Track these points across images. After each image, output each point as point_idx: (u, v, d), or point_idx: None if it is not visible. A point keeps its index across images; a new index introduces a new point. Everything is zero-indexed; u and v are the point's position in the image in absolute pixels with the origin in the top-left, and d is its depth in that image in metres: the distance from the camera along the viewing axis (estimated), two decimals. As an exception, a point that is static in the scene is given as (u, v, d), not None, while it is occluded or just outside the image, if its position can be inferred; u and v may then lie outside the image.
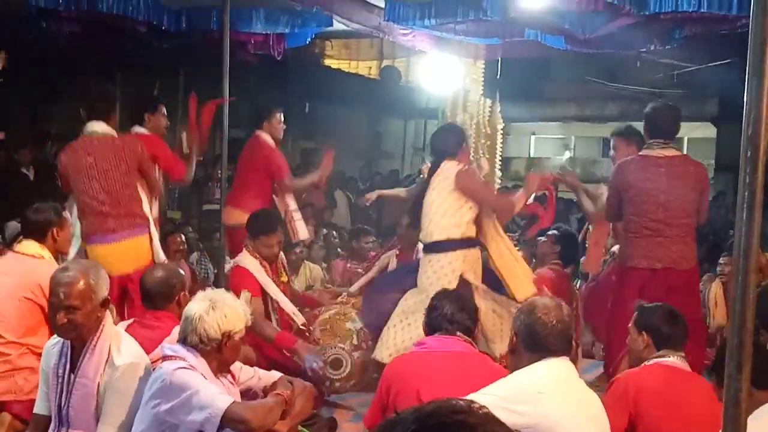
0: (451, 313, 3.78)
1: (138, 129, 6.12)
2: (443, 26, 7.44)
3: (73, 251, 5.41)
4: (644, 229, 5.27)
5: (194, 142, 6.33)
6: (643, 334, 3.85)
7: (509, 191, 6.36)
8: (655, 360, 3.76)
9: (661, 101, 6.02)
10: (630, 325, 4.00)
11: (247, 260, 5.57)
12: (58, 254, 4.88)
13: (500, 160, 9.47)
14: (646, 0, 6.04)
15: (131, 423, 3.37)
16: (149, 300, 4.16)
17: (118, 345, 3.51)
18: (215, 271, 6.85)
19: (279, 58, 8.77)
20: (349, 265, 8.54)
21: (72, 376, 3.50)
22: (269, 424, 3.31)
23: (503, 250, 5.55)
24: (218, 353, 3.38)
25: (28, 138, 10.08)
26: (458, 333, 3.77)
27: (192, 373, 3.25)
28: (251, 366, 3.88)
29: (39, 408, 3.70)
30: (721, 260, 7.99)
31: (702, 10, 6.01)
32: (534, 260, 7.20)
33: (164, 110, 6.29)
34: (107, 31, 7.93)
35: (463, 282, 5.25)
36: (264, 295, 5.52)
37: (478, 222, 5.44)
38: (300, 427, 3.80)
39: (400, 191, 7.33)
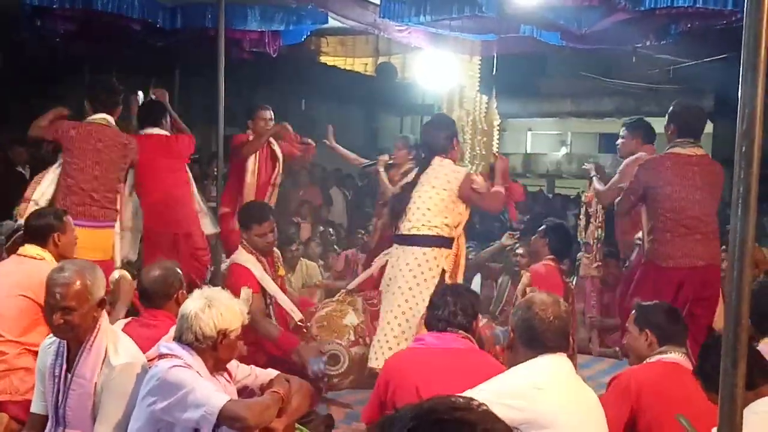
0: (452, 310, 3.78)
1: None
2: (439, 23, 7.43)
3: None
4: (682, 227, 5.29)
5: None
6: (646, 332, 3.84)
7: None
8: (658, 357, 3.76)
9: (684, 100, 6.05)
10: (629, 323, 4.00)
11: (244, 257, 5.57)
12: (61, 259, 4.86)
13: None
14: (641, -4, 6.05)
15: (128, 422, 3.36)
16: (147, 299, 4.15)
17: (114, 344, 3.50)
18: (212, 268, 6.85)
19: (274, 56, 8.76)
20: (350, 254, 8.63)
21: (68, 375, 3.49)
22: (266, 421, 3.30)
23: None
24: (214, 351, 3.37)
25: (24, 136, 10.05)
26: (457, 330, 3.77)
27: (188, 371, 3.25)
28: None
29: (36, 407, 3.69)
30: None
31: (697, 6, 6.01)
32: (530, 257, 7.20)
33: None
34: (102, 29, 7.91)
35: (442, 281, 5.29)
36: (262, 291, 5.52)
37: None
38: (297, 425, 3.80)
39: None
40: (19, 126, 10.98)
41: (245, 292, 5.27)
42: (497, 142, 8.20)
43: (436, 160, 5.49)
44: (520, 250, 7.47)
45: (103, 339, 3.48)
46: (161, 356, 3.37)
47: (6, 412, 4.32)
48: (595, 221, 6.77)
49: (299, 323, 5.65)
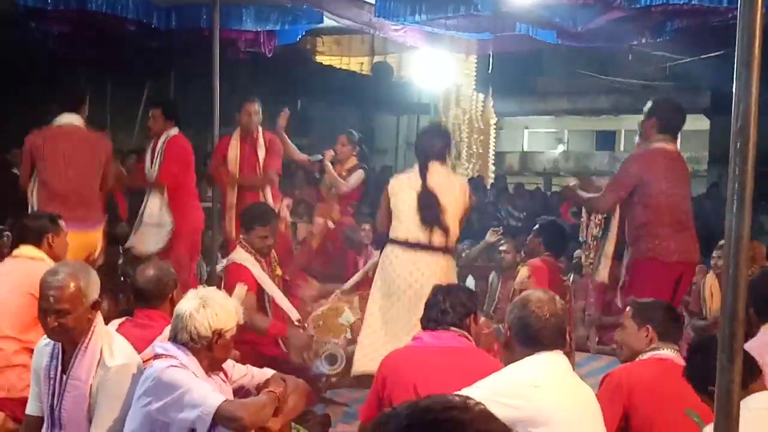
0: (442, 308, 3.78)
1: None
2: (434, 21, 7.43)
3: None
4: (677, 222, 5.32)
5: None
6: (647, 328, 3.83)
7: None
8: (651, 353, 3.76)
9: (664, 95, 5.97)
10: (626, 319, 3.99)
11: (243, 256, 5.57)
12: (56, 261, 4.86)
13: (493, 155, 9.51)
14: (636, -7, 6.05)
15: (124, 424, 3.35)
16: (142, 299, 4.14)
17: (109, 346, 3.49)
18: (208, 268, 6.85)
19: (269, 56, 8.75)
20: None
21: (64, 377, 3.48)
22: (262, 421, 3.29)
23: None
24: (209, 351, 3.37)
25: (19, 138, 10.03)
26: (455, 328, 3.77)
27: (183, 372, 3.24)
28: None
29: (31, 409, 3.69)
30: (714, 253, 7.99)
31: (692, 3, 6.02)
32: (526, 255, 7.19)
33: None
34: (97, 30, 7.90)
35: None
36: (260, 290, 5.53)
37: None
38: (293, 424, 3.79)
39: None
40: (13, 128, 10.99)
41: (239, 288, 5.29)
42: (494, 140, 8.20)
43: (437, 166, 5.43)
44: (504, 247, 7.48)
45: (98, 340, 3.47)
46: (156, 356, 3.36)
47: (3, 409, 4.32)
48: (595, 219, 6.74)
49: (296, 323, 5.65)
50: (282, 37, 8.68)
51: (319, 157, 7.60)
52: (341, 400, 5.66)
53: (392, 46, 10.49)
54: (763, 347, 3.47)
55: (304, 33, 8.97)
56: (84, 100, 6.13)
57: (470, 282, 8.18)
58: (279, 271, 5.93)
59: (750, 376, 2.95)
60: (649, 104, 5.48)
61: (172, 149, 6.54)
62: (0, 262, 4.99)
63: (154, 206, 6.46)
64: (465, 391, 2.69)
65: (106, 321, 3.77)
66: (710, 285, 7.98)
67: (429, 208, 5.35)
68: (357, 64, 12.80)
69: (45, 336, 3.61)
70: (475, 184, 12.79)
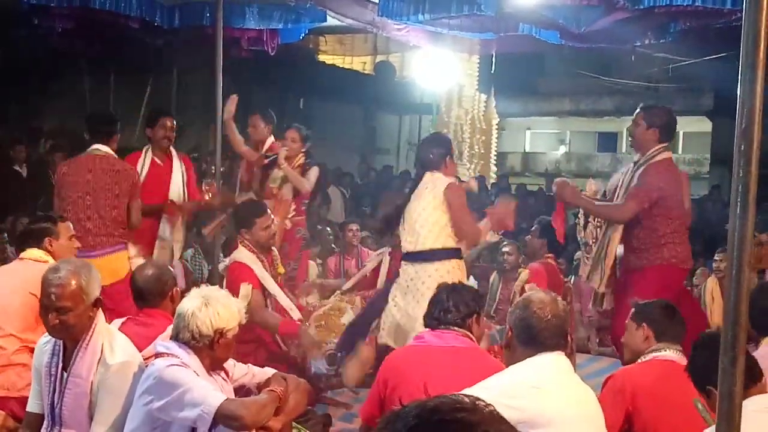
0: (444, 308, 3.78)
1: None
2: (437, 21, 7.44)
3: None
4: (685, 230, 5.42)
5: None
6: (643, 326, 3.84)
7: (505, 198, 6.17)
8: (653, 355, 3.75)
9: (652, 103, 5.91)
10: (628, 320, 4.00)
11: (244, 255, 5.58)
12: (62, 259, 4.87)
13: (495, 155, 9.49)
14: (640, -6, 6.04)
15: (125, 421, 3.35)
16: (142, 298, 4.14)
17: (110, 343, 3.49)
18: (209, 268, 6.86)
19: (272, 54, 8.76)
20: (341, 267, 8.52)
21: (64, 374, 3.48)
22: (263, 420, 3.29)
23: None
24: (211, 350, 3.36)
25: (22, 135, 10.06)
26: (456, 328, 3.76)
27: (184, 370, 3.24)
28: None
29: (32, 406, 3.69)
30: (716, 256, 7.99)
31: (696, 4, 6.01)
32: (524, 257, 7.20)
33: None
34: (100, 27, 7.91)
35: None
36: (262, 289, 5.53)
37: None
38: (294, 424, 3.79)
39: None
40: (16, 125, 11.02)
41: (245, 287, 5.30)
42: (496, 140, 8.16)
43: (428, 176, 5.44)
44: (506, 248, 7.48)
45: (98, 338, 3.47)
46: (158, 355, 3.36)
47: (3, 407, 4.32)
48: (594, 221, 6.73)
49: (297, 323, 5.65)
50: (285, 35, 8.69)
51: (271, 155, 7.06)
52: (342, 400, 5.66)
53: (395, 46, 10.48)
54: (763, 358, 3.46)
55: (307, 31, 8.98)
56: (110, 126, 6.08)
57: (471, 282, 8.18)
58: (281, 269, 5.95)
59: (751, 380, 2.94)
60: (642, 113, 5.44)
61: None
62: (7, 264, 5.03)
63: None
64: (466, 392, 2.68)
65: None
66: (711, 288, 7.97)
67: (388, 218, 5.51)
68: (360, 63, 12.78)
69: (45, 334, 3.61)
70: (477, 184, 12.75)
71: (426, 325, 3.85)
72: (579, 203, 5.58)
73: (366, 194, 13.54)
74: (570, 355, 3.83)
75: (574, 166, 23.36)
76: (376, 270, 7.02)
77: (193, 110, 6.86)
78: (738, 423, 2.27)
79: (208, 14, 7.55)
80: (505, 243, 7.50)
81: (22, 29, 8.40)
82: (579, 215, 6.81)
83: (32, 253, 4.69)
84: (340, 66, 12.59)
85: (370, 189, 14.06)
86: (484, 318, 5.87)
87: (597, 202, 5.59)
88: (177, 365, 3.25)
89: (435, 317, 3.79)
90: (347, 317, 5.81)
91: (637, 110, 5.53)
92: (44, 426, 3.57)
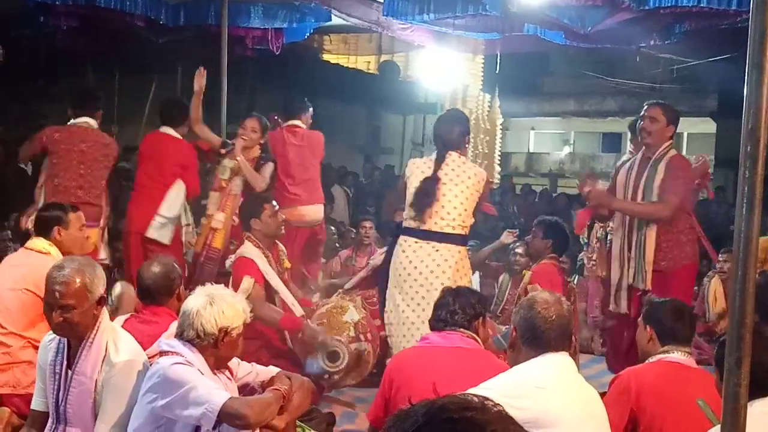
0: (451, 310, 3.78)
1: (167, 130, 6.53)
2: (442, 21, 7.43)
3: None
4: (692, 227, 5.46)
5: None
6: (648, 327, 3.84)
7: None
8: (659, 356, 3.74)
9: (656, 100, 5.91)
10: (639, 318, 4.01)
11: (250, 250, 5.61)
12: (66, 254, 4.87)
13: (499, 156, 9.48)
14: (645, -5, 6.04)
15: (129, 420, 3.35)
16: (149, 295, 4.13)
17: (115, 342, 3.50)
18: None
19: (277, 53, 8.76)
20: (353, 262, 8.50)
21: (69, 372, 3.48)
22: (267, 419, 3.29)
23: None
24: (215, 349, 3.36)
25: (27, 133, 10.07)
26: (457, 329, 3.77)
27: (189, 369, 3.24)
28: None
29: (36, 404, 3.69)
30: (720, 257, 7.99)
31: (702, 5, 6.00)
32: (530, 259, 7.18)
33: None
34: (105, 26, 7.92)
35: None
36: (266, 285, 5.55)
37: None
38: (298, 422, 3.79)
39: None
40: (20, 123, 11.02)
41: (246, 281, 5.32)
42: (500, 140, 8.13)
43: (454, 157, 5.37)
44: (519, 249, 7.45)
45: (103, 336, 3.47)
46: (162, 353, 3.36)
47: (8, 405, 4.33)
48: (598, 222, 6.73)
49: (301, 317, 5.67)
50: (290, 34, 8.68)
51: (229, 143, 6.63)
52: (345, 399, 5.65)
53: (400, 46, 10.47)
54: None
55: (311, 31, 8.98)
56: (96, 102, 6.41)
57: (475, 279, 8.17)
58: (287, 264, 5.98)
59: (760, 390, 2.90)
60: (661, 109, 5.42)
61: None
62: (13, 253, 5.06)
63: None
64: (470, 392, 2.68)
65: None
66: (714, 289, 7.98)
67: (425, 195, 5.28)
68: (364, 62, 12.79)
69: (50, 332, 3.61)
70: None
71: (432, 328, 3.86)
72: (615, 206, 5.49)
73: (370, 193, 13.54)
74: (573, 356, 3.83)
75: (578, 167, 23.34)
76: (379, 270, 7.00)
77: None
78: (743, 423, 2.27)
79: (213, 13, 7.55)
80: (517, 244, 7.49)
81: (27, 28, 8.41)
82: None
83: (37, 243, 4.70)
84: (345, 65, 12.60)
85: (374, 188, 14.06)
86: (491, 320, 5.90)
87: (634, 203, 5.46)
88: (181, 363, 3.25)
89: (441, 319, 3.79)
90: (349, 315, 5.79)
91: (650, 106, 5.49)
92: (48, 424, 3.57)
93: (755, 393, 2.65)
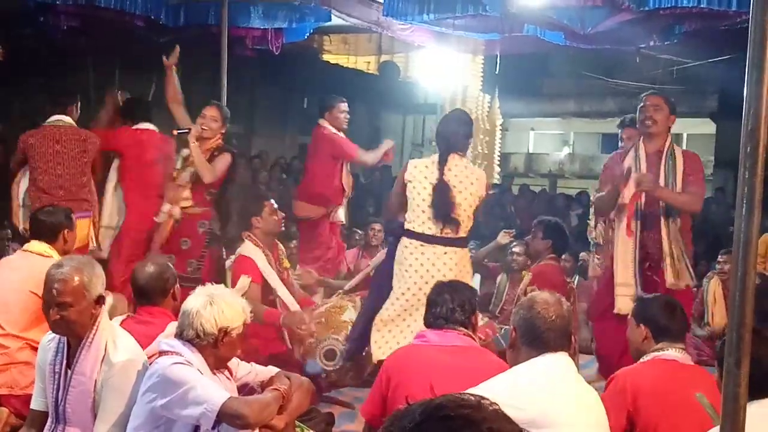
0: (450, 307, 3.77)
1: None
2: (442, 21, 7.44)
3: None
4: None
5: None
6: (641, 326, 3.83)
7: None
8: (654, 354, 3.73)
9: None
10: (629, 316, 3.99)
11: (250, 249, 5.62)
12: (65, 255, 4.90)
13: (499, 156, 9.46)
14: (645, -4, 6.04)
15: (128, 419, 3.35)
16: (144, 296, 4.12)
17: (114, 341, 3.50)
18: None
19: (277, 53, 8.76)
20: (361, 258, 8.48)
21: (68, 372, 3.48)
22: (266, 419, 3.29)
23: None
24: (215, 349, 3.36)
25: (26, 131, 10.06)
26: (459, 327, 3.76)
27: (188, 369, 3.24)
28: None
29: (36, 404, 3.69)
30: (720, 258, 7.99)
31: (701, 6, 6.00)
32: (528, 258, 7.19)
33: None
34: (105, 26, 7.92)
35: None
36: (265, 284, 5.56)
37: None
38: (297, 422, 3.79)
39: None
40: (20, 122, 11.01)
41: (243, 279, 5.33)
42: (499, 141, 8.12)
43: (456, 159, 5.34)
44: (516, 249, 7.46)
45: (102, 336, 3.47)
46: (162, 353, 3.36)
47: (6, 405, 4.33)
48: (605, 222, 6.71)
49: (279, 311, 5.67)
50: (290, 34, 8.69)
51: (186, 130, 6.16)
52: (344, 399, 5.66)
53: (400, 46, 10.47)
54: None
55: (311, 31, 8.98)
56: (68, 97, 6.44)
57: (477, 280, 8.17)
58: (287, 263, 5.98)
59: (759, 392, 2.90)
60: (663, 98, 5.41)
61: None
62: (11, 255, 5.07)
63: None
64: (469, 392, 2.68)
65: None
66: (714, 290, 7.97)
67: (442, 203, 5.24)
68: (364, 63, 12.78)
69: (50, 332, 3.62)
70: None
71: (427, 324, 3.84)
72: (660, 193, 5.27)
73: (369, 194, 13.54)
74: (573, 356, 3.83)
75: (578, 167, 23.32)
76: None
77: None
78: (743, 423, 2.27)
79: (213, 13, 7.55)
80: (515, 243, 7.49)
81: (28, 27, 8.41)
82: (590, 216, 6.78)
83: (37, 246, 4.72)
84: (345, 66, 12.59)
85: (374, 189, 14.06)
86: (485, 318, 5.90)
87: (678, 192, 5.32)
88: (181, 363, 3.25)
89: (441, 316, 3.78)
90: (348, 314, 5.80)
91: (651, 95, 5.48)
92: (48, 424, 3.57)
93: (755, 394, 2.67)
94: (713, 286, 7.97)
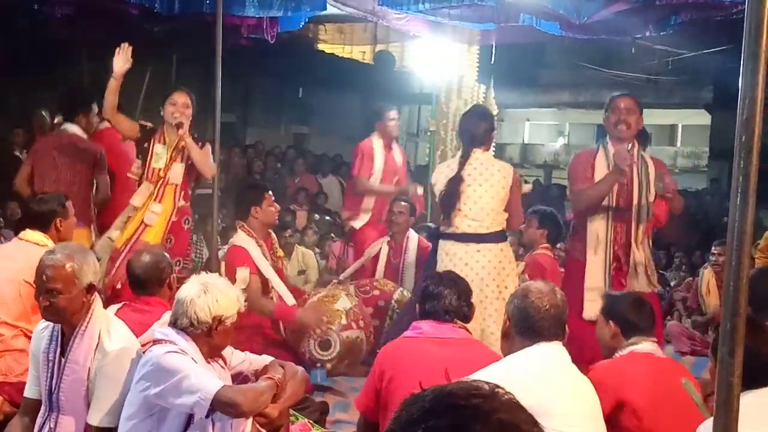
0: (450, 301, 3.75)
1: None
2: (438, 11, 7.41)
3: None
4: None
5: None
6: (610, 322, 3.81)
7: None
8: (630, 348, 3.69)
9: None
10: (598, 313, 3.98)
11: (244, 239, 5.61)
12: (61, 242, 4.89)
13: (494, 147, 9.42)
14: (641, -15, 6.03)
15: (122, 408, 3.35)
16: (139, 285, 4.14)
17: (108, 330, 3.50)
18: (207, 254, 6.86)
19: (272, 42, 8.72)
20: (344, 255, 8.45)
21: (62, 360, 3.48)
22: (260, 407, 3.29)
23: None
24: (209, 337, 3.36)
25: (21, 122, 10.04)
26: (455, 320, 3.75)
27: (182, 357, 3.24)
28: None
29: (29, 392, 3.69)
30: (714, 249, 8.00)
31: (697, -3, 5.99)
32: (522, 248, 7.19)
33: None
34: (99, 14, 7.89)
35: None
36: (259, 274, 5.56)
37: None
38: (291, 411, 3.79)
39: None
40: (16, 111, 10.99)
41: (242, 272, 5.32)
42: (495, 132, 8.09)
43: (478, 154, 5.34)
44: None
45: (96, 324, 3.47)
46: (156, 341, 3.36)
47: (1, 393, 4.33)
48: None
49: (294, 307, 5.67)
50: (285, 23, 8.65)
51: (148, 125, 5.82)
52: (339, 389, 5.66)
53: (395, 36, 10.44)
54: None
55: (307, 20, 8.94)
56: (82, 107, 6.39)
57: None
58: (281, 253, 5.98)
59: (754, 381, 2.90)
60: (635, 102, 5.31)
61: None
62: (6, 243, 5.05)
63: None
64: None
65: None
66: (708, 280, 7.99)
67: (450, 197, 5.24)
68: (359, 52, 12.71)
69: (43, 320, 3.62)
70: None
71: (424, 316, 3.82)
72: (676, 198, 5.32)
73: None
74: (567, 345, 3.82)
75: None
76: (375, 259, 7.02)
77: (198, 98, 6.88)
78: (736, 413, 2.27)
79: (207, 1, 7.50)
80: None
81: (23, 16, 8.37)
82: None
83: (33, 235, 4.70)
84: (340, 55, 12.53)
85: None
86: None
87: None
88: (175, 352, 3.25)
89: (442, 309, 3.74)
90: (341, 303, 5.79)
91: (624, 97, 5.34)
92: (41, 412, 3.58)
93: (749, 384, 2.67)
94: (707, 277, 7.99)
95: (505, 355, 3.27)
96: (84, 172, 6.20)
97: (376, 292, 6.29)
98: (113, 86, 5.73)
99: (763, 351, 2.92)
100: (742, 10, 2.26)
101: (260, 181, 6.12)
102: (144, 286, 4.11)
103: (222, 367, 3.52)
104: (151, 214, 5.66)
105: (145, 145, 5.77)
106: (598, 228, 5.21)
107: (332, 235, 9.82)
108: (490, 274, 5.20)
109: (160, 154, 5.70)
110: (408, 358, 3.61)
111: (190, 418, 3.26)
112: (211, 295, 3.35)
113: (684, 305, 8.49)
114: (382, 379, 3.62)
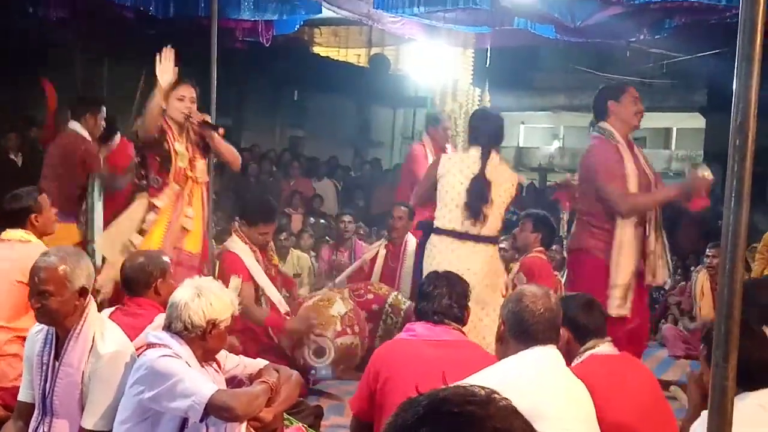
0: (445, 302, 3.73)
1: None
2: (433, 14, 7.43)
3: None
4: None
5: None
6: (561, 328, 3.68)
7: None
8: (589, 352, 3.54)
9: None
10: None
11: (238, 246, 5.59)
12: (42, 237, 4.86)
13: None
14: (636, -11, 6.04)
15: (116, 411, 3.34)
16: (128, 287, 4.13)
17: (102, 333, 3.49)
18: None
19: (267, 45, 8.73)
20: (334, 257, 8.44)
21: (56, 364, 3.47)
22: (254, 411, 3.29)
23: None
24: (203, 341, 3.35)
25: (14, 124, 10.03)
26: (449, 321, 3.74)
27: (176, 361, 3.23)
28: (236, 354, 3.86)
29: (23, 396, 3.68)
30: (708, 251, 8.01)
31: (692, 0, 6.01)
32: (516, 252, 7.20)
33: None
34: (94, 17, 7.89)
35: None
36: (252, 281, 5.54)
37: None
38: (286, 415, 3.78)
39: None
40: (9, 113, 10.96)
41: (235, 280, 5.29)
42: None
43: (493, 155, 5.29)
44: (503, 245, 7.48)
45: (90, 327, 3.46)
46: (150, 345, 3.35)
47: (-6, 398, 4.31)
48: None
49: (286, 316, 5.65)
50: (280, 27, 8.66)
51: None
52: (334, 393, 5.65)
53: (390, 39, 10.46)
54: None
55: (302, 23, 8.96)
56: (88, 108, 6.58)
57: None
58: (276, 260, 5.97)
59: (749, 383, 2.90)
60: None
61: None
62: None
63: None
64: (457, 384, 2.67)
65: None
66: (701, 284, 8.00)
67: (479, 198, 5.17)
68: (354, 55, 12.73)
69: (37, 323, 3.60)
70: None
71: (420, 317, 3.81)
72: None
73: (359, 187, 13.55)
74: (562, 350, 3.79)
75: (568, 161, 23.35)
76: (372, 262, 7.02)
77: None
78: (730, 417, 2.27)
79: (202, 5, 7.51)
80: (502, 238, 7.50)
81: (17, 18, 8.36)
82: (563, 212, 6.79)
83: (14, 233, 4.67)
84: (335, 58, 12.55)
85: (364, 181, 14.07)
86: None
87: None
88: (169, 356, 3.24)
89: (437, 311, 3.72)
90: (336, 308, 5.78)
91: (634, 87, 5.37)
92: (35, 415, 3.56)
93: (744, 387, 2.66)
94: (701, 280, 8.00)
95: (499, 359, 3.26)
96: (70, 171, 6.39)
97: (371, 296, 6.29)
98: (159, 100, 5.22)
99: (756, 355, 2.92)
100: (736, 13, 2.26)
101: (268, 207, 5.91)
102: (130, 286, 4.11)
103: (216, 370, 3.51)
104: (186, 220, 5.30)
105: (165, 146, 5.25)
106: (627, 226, 5.03)
107: (327, 238, 9.81)
108: (477, 275, 5.14)
109: (182, 153, 5.28)
110: (403, 359, 3.59)
111: (184, 422, 3.25)
112: (205, 298, 3.34)
113: (678, 309, 8.50)
114: (377, 381, 3.61)
